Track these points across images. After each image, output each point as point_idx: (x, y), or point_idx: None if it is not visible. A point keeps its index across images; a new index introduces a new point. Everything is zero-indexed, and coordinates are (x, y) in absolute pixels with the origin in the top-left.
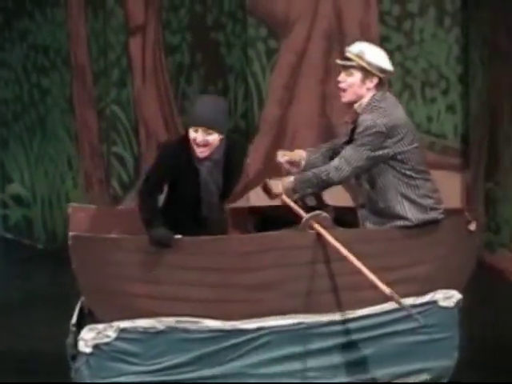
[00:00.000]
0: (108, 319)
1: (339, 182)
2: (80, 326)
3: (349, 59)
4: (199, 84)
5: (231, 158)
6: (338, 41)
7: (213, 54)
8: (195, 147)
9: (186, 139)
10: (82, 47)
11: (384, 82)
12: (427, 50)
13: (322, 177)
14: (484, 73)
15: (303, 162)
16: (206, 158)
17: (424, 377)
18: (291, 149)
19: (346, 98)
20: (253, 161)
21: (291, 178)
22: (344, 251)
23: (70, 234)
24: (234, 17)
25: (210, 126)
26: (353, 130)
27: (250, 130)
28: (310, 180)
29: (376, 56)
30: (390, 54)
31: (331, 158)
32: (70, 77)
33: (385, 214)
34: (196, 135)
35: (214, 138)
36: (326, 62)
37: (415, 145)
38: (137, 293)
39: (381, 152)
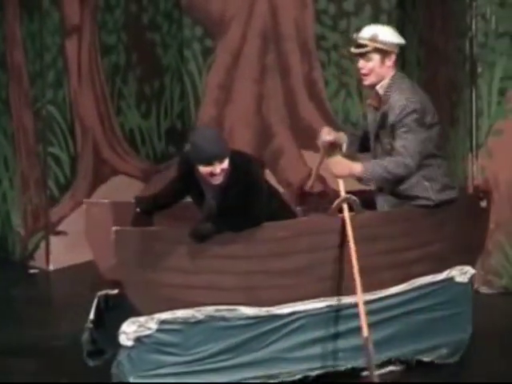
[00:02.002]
0: (149, 311)
1: (405, 175)
2: (97, 322)
3: (363, 45)
4: (135, 84)
5: (234, 181)
6: (273, 40)
7: (149, 54)
8: (210, 179)
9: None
10: (17, 49)
11: (398, 57)
12: None
13: (390, 171)
14: (420, 72)
15: (345, 145)
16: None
17: (442, 351)
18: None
19: (369, 80)
20: None
21: (359, 166)
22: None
23: (113, 228)
24: (169, 17)
25: (223, 157)
26: (382, 115)
27: (187, 129)
28: (379, 174)
29: (388, 34)
30: (327, 53)
31: (363, 146)
32: (6, 78)
33: (405, 195)
34: (211, 168)
35: (227, 162)
36: (262, 61)
37: (437, 121)
38: (177, 283)
39: (427, 128)
